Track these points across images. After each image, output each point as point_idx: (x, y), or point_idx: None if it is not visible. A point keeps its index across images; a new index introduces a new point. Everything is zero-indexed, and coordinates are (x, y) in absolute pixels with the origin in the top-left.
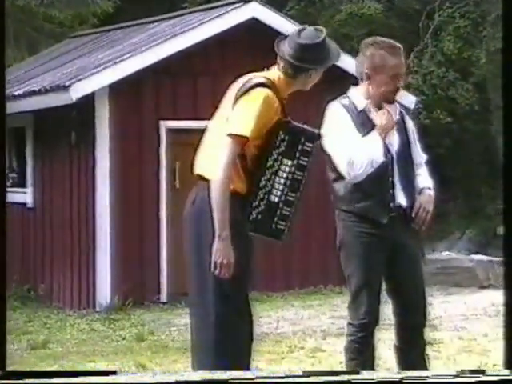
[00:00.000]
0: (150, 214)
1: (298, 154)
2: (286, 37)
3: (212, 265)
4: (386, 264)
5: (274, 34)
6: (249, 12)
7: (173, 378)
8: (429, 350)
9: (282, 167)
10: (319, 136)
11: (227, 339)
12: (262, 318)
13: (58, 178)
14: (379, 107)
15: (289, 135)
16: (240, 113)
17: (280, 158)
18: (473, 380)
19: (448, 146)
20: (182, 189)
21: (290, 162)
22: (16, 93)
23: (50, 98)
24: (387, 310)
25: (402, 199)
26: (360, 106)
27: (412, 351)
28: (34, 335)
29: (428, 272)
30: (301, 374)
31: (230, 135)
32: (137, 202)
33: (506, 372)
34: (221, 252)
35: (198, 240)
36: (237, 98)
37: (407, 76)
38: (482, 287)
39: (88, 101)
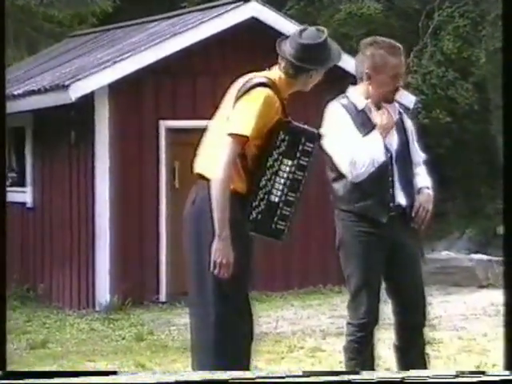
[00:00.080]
0: (149, 214)
1: (298, 154)
2: (287, 37)
3: (211, 264)
4: (385, 263)
5: (274, 34)
6: (248, 11)
7: (173, 378)
8: (428, 350)
9: (283, 167)
10: (320, 136)
11: (227, 339)
12: (262, 318)
13: (57, 177)
14: (379, 107)
15: (289, 135)
16: (240, 112)
17: (280, 157)
18: (473, 380)
19: (447, 145)
20: (182, 188)
21: (290, 162)
22: (15, 92)
23: (49, 98)
24: (387, 310)
25: (401, 199)
26: (360, 106)
27: (411, 351)
28: (33, 335)
29: (427, 271)
30: (301, 373)
31: (230, 135)
32: (136, 201)
33: (506, 372)
34: (220, 251)
35: (197, 239)
36: (237, 98)
37: (407, 75)
38: (482, 287)
39: (87, 100)
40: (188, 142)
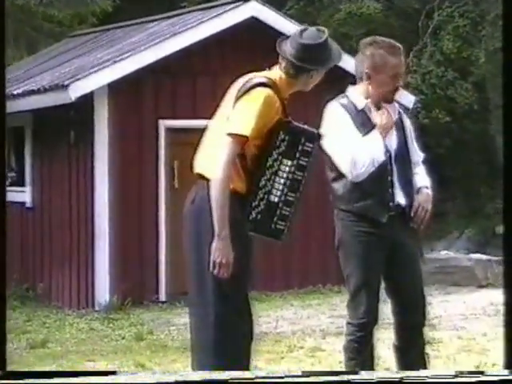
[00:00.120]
0: (148, 214)
1: (298, 155)
2: (287, 37)
3: (211, 264)
4: (384, 263)
5: (274, 34)
6: (248, 11)
7: (172, 378)
8: (428, 350)
9: (282, 167)
10: (319, 136)
11: (227, 339)
12: (261, 318)
13: (56, 177)
14: (378, 107)
15: (289, 135)
16: (240, 112)
17: (280, 158)
18: (472, 380)
19: (447, 145)
20: (181, 188)
21: (289, 162)
22: (15, 92)
23: (48, 98)
24: (386, 310)
25: (400, 198)
26: (359, 106)
27: (411, 351)
28: (33, 334)
29: (427, 271)
30: (300, 373)
31: (230, 134)
32: (136, 201)
33: (506, 372)
34: (220, 251)
35: (197, 239)
36: (237, 98)
37: (406, 75)
38: (481, 286)
39: (87, 100)
40: (187, 142)
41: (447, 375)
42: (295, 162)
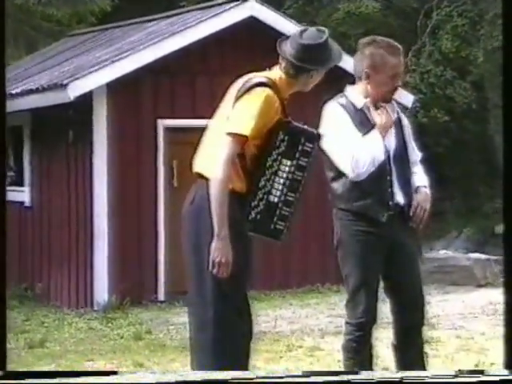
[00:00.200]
0: (147, 213)
1: (297, 155)
2: (287, 37)
3: (210, 264)
4: (383, 263)
5: (273, 33)
6: (247, 10)
7: (172, 378)
8: (427, 349)
9: (282, 167)
10: (319, 136)
11: (226, 338)
12: (260, 317)
13: (55, 176)
14: (377, 106)
15: (289, 135)
16: (240, 112)
17: (280, 158)
18: (472, 380)
19: (446, 144)
20: (180, 187)
21: (289, 163)
22: (14, 91)
23: (47, 97)
24: (385, 309)
25: (399, 198)
26: (358, 105)
27: (410, 350)
28: (31, 334)
29: (425, 270)
30: (300, 373)
31: (229, 134)
32: (134, 200)
33: (505, 372)
34: (219, 251)
35: (196, 238)
36: (237, 97)
37: (405, 75)
38: (480, 286)
39: (86, 99)
40: (186, 141)
41: (447, 375)
42: (295, 162)
